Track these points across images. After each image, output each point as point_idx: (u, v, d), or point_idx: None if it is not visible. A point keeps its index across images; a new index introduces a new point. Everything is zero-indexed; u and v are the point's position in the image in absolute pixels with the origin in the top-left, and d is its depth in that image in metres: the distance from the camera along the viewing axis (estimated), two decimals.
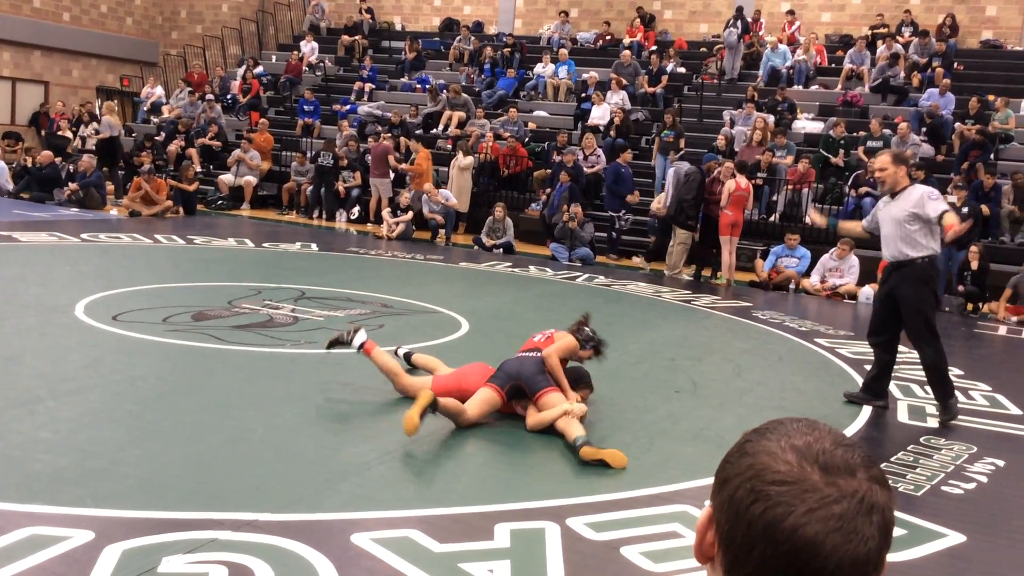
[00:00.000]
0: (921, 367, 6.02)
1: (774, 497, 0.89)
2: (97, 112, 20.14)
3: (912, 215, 5.65)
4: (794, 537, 0.87)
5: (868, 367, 7.34)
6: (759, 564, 0.90)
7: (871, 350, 6.31)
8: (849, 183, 14.06)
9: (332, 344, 5.59)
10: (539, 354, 5.24)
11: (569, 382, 5.23)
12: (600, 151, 15.70)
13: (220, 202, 16.83)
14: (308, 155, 17.00)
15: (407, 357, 6.06)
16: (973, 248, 11.41)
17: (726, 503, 0.93)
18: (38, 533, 3.29)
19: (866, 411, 6.01)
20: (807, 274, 12.16)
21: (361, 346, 5.48)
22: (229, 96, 20.58)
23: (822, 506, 0.88)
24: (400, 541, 3.47)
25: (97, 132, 18.28)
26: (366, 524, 3.61)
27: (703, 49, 19.91)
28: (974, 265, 11.37)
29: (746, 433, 0.97)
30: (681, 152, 14.83)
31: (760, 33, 19.29)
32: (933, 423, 5.80)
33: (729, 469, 0.95)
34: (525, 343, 5.46)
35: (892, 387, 6.72)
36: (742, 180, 12.15)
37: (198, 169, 16.85)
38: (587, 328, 5.51)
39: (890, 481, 3.91)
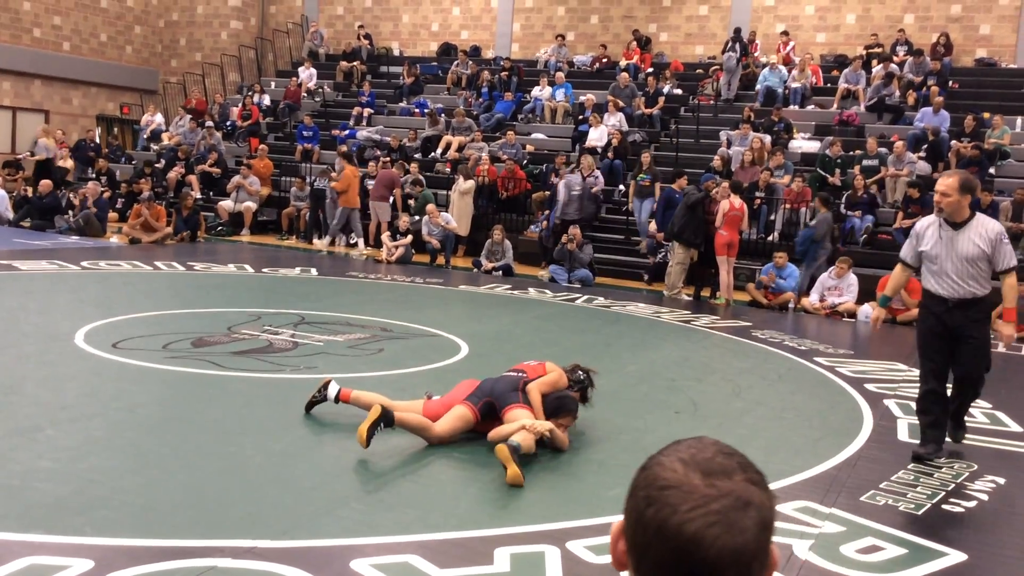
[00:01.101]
0: (955, 403, 5.53)
1: (662, 500, 1.02)
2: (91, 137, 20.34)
3: (985, 254, 5.17)
4: (680, 533, 1.00)
5: (869, 387, 7.34)
6: (655, 562, 1.02)
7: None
8: (843, 203, 14.11)
9: (310, 406, 5.49)
10: (521, 374, 5.25)
11: (552, 410, 5.15)
12: (598, 172, 15.77)
13: (220, 228, 16.88)
14: (307, 180, 17.08)
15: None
16: None
17: (631, 512, 1.06)
18: (38, 562, 3.29)
19: (866, 431, 6.00)
20: (807, 292, 12.18)
21: (337, 396, 5.42)
22: (229, 123, 20.70)
23: (703, 504, 1.00)
24: (400, 566, 3.46)
25: (33, 154, 18.44)
26: (366, 550, 3.60)
27: (699, 71, 20.04)
28: None
29: None
30: (572, 166, 15.40)
31: (756, 55, 19.43)
32: None
33: (633, 483, 1.08)
34: (515, 365, 5.47)
35: (892, 405, 6.74)
36: (736, 200, 12.19)
37: (197, 196, 16.91)
38: (580, 371, 5.55)
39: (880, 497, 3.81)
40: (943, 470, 5.18)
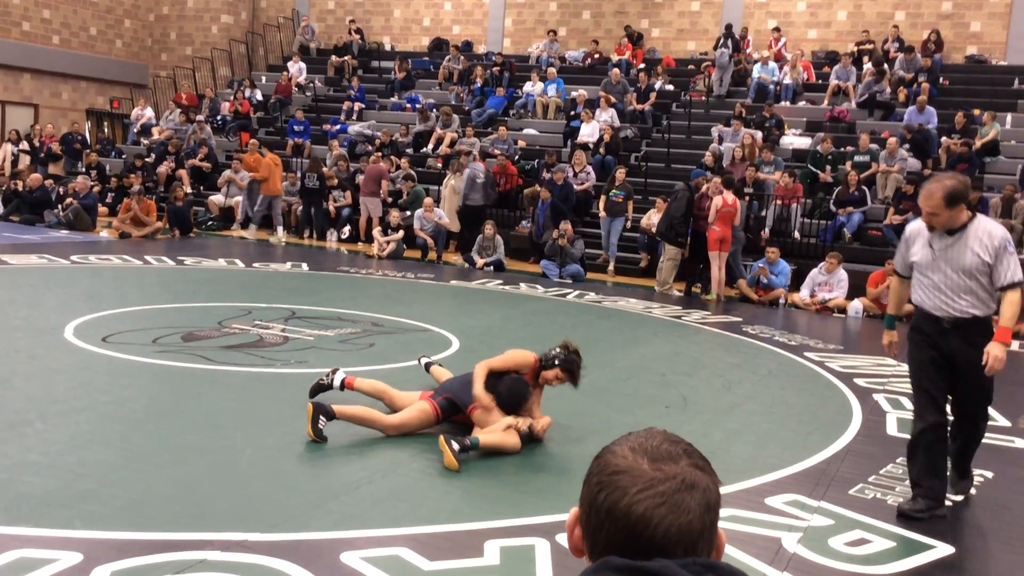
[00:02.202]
0: (954, 445, 4.64)
1: (613, 483, 1.10)
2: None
3: (985, 266, 4.27)
4: (629, 513, 1.07)
5: (858, 382, 7.36)
6: (607, 542, 1.09)
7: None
8: (832, 201, 14.14)
9: (315, 392, 5.53)
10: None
11: (511, 407, 5.03)
12: (590, 168, 15.78)
13: (210, 223, 16.83)
14: (298, 175, 17.04)
15: (427, 367, 6.27)
16: None
17: (585, 498, 1.14)
18: (26, 556, 3.28)
19: (856, 425, 6.03)
20: (796, 288, 12.21)
21: (343, 383, 5.51)
22: (219, 117, 20.63)
23: (650, 486, 1.08)
24: (390, 559, 3.47)
25: None
26: (356, 543, 3.61)
27: (691, 67, 20.06)
28: None
29: None
30: (472, 156, 15.96)
31: (747, 51, 19.45)
32: None
33: (588, 472, 1.15)
34: None
35: (881, 399, 6.77)
36: (729, 196, 12.21)
37: (188, 190, 16.86)
38: (558, 349, 5.19)
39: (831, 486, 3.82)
40: None
